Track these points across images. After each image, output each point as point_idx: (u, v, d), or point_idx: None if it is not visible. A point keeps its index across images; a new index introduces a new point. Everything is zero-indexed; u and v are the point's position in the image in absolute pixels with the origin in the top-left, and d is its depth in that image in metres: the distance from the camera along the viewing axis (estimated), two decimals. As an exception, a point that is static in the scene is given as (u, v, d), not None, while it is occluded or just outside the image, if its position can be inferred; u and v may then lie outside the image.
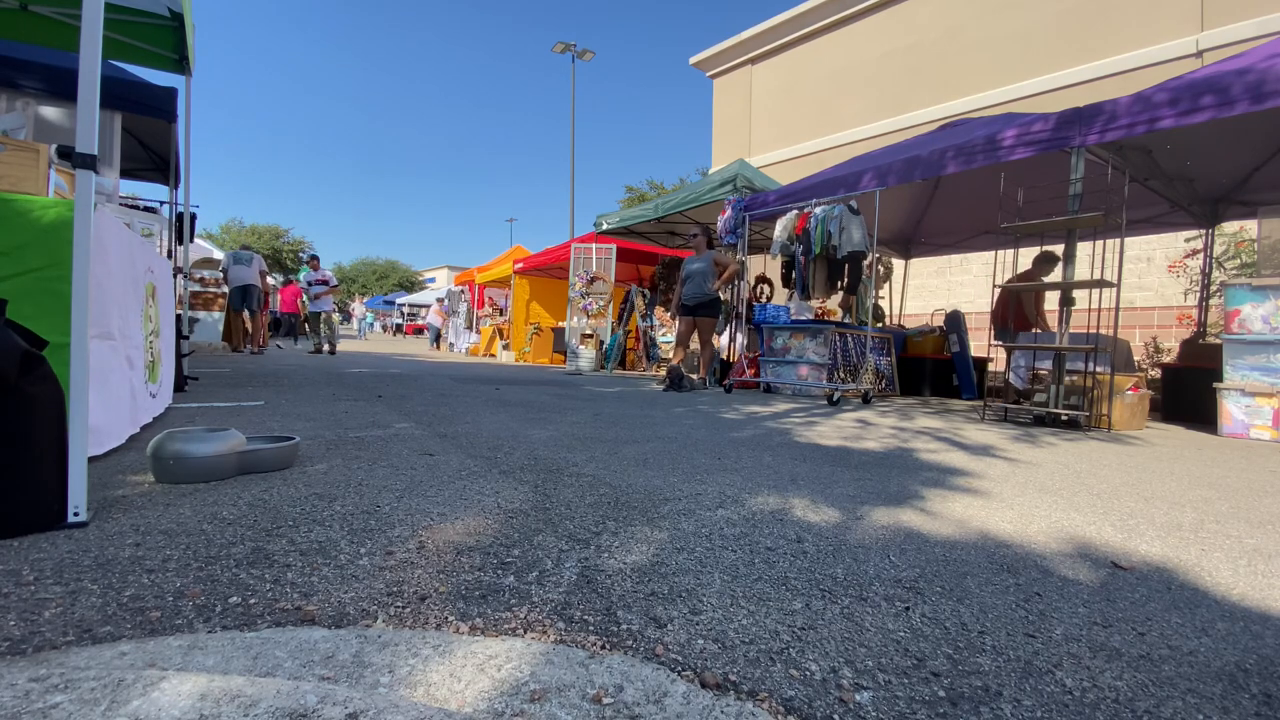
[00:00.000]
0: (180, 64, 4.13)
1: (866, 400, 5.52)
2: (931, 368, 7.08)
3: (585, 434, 3.03)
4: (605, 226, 9.46)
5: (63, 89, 4.21)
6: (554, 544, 1.40)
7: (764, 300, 9.20)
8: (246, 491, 1.75)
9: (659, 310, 10.43)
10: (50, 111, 4.43)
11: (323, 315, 10.77)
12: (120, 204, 4.88)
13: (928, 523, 1.69)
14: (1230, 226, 7.19)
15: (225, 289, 10.01)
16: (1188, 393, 5.10)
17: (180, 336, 4.02)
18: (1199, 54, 8.24)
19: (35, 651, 0.86)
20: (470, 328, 16.03)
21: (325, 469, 2.06)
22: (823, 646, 0.97)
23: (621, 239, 10.19)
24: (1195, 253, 7.37)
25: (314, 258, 11.14)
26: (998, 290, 4.90)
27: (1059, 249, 4.47)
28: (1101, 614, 1.13)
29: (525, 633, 0.98)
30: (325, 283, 10.83)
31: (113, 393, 2.11)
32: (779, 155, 13.64)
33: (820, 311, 7.15)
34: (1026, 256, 6.20)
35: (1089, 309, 4.71)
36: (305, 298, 11.05)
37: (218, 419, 2.99)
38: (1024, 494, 2.09)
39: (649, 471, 2.21)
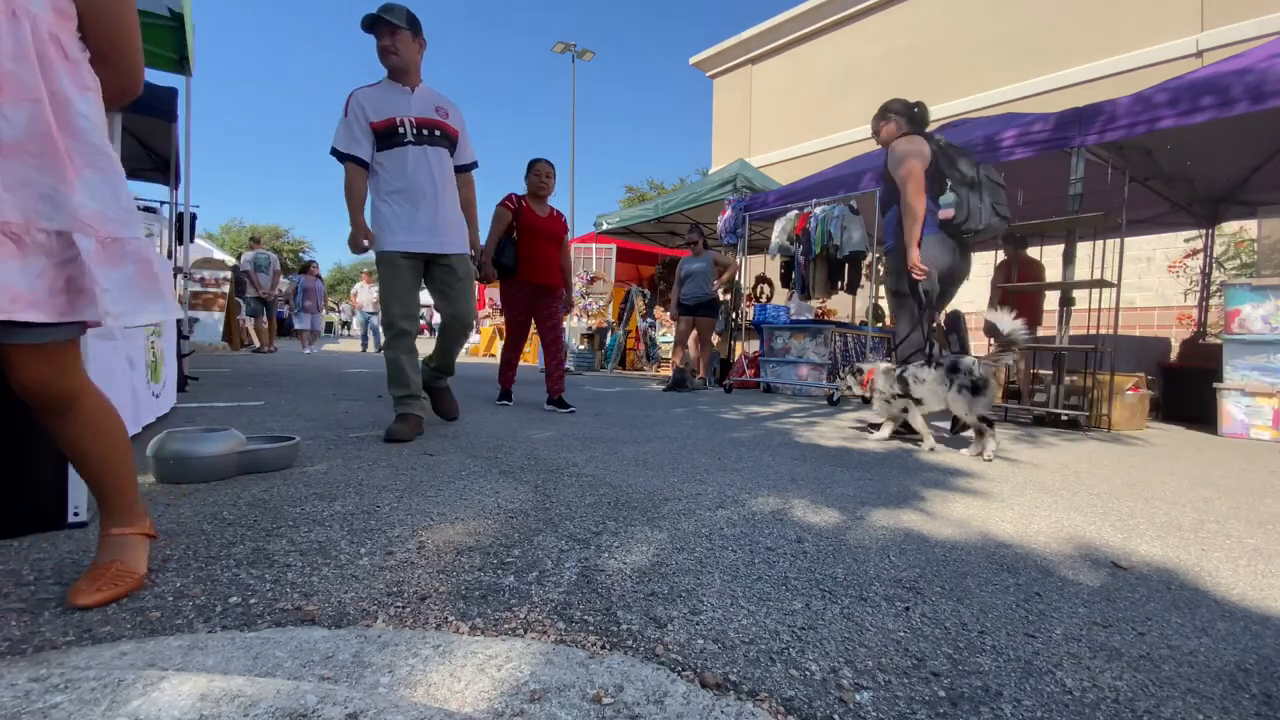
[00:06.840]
0: (181, 64, 4.12)
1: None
2: (932, 368, 7.06)
3: (585, 434, 3.03)
4: (605, 226, 9.45)
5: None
6: (554, 544, 1.40)
7: (764, 300, 9.20)
8: (246, 491, 1.75)
9: (659, 310, 10.43)
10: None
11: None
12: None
13: (928, 523, 1.69)
14: (1230, 226, 7.19)
15: (226, 288, 9.83)
16: (1188, 393, 5.09)
17: (180, 336, 4.02)
18: (1199, 54, 8.24)
19: (35, 651, 0.86)
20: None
21: (325, 469, 2.06)
22: (823, 646, 0.97)
23: (621, 239, 10.19)
24: (1195, 253, 7.36)
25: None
26: (1000, 291, 4.89)
27: (1059, 248, 4.47)
28: (1101, 614, 1.13)
29: (525, 633, 0.98)
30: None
31: (114, 393, 2.10)
32: (779, 155, 13.63)
33: (820, 311, 7.14)
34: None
35: (1089, 309, 4.71)
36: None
37: (218, 419, 2.99)
38: (1024, 494, 2.09)
39: (649, 471, 2.21)
